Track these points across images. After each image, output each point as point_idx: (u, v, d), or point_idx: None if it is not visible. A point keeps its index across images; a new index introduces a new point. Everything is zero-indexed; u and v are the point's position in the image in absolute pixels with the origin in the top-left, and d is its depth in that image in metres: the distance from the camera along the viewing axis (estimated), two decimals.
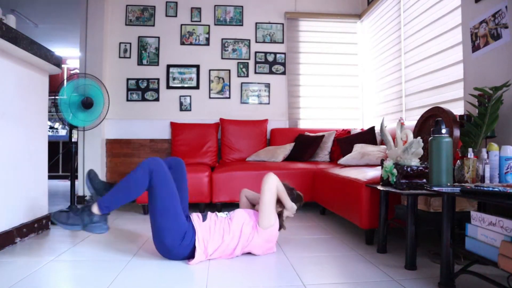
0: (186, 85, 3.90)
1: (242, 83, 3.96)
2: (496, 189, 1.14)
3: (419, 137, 1.71)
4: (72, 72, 6.62)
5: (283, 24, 4.03)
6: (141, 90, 3.85)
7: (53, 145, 5.76)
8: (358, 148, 2.77)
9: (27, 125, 2.14)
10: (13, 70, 2.01)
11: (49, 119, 6.20)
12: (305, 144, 3.48)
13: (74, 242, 2.06)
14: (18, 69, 2.06)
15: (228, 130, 3.71)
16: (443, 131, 1.49)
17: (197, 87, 3.91)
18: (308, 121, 4.02)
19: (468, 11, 2.19)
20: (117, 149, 3.79)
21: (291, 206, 1.87)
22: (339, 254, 1.86)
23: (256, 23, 4.00)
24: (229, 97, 3.94)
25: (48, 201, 2.41)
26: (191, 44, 3.93)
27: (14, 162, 2.01)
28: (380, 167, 1.95)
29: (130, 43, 3.85)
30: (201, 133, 3.70)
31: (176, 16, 3.92)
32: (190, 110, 3.90)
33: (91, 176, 1.76)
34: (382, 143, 2.91)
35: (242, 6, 3.99)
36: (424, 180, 1.71)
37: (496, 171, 1.50)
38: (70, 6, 4.65)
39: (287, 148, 3.49)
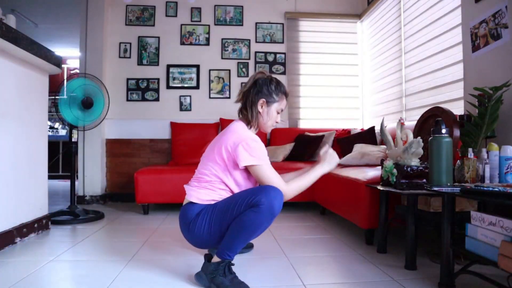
0: (186, 85, 3.90)
1: (242, 83, 3.95)
2: (496, 189, 1.14)
3: (419, 137, 1.71)
4: (72, 72, 6.62)
5: (283, 24, 4.03)
6: (141, 90, 3.85)
7: (53, 145, 5.76)
8: (358, 148, 2.77)
9: (27, 125, 2.14)
10: (13, 70, 2.01)
11: (49, 119, 6.20)
12: (305, 144, 3.48)
13: (74, 242, 2.06)
14: (18, 69, 2.06)
15: None
16: (443, 131, 1.49)
17: (197, 87, 3.91)
18: (308, 121, 4.02)
19: (468, 11, 2.19)
20: (117, 149, 3.79)
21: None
22: (339, 254, 1.86)
23: (256, 23, 4.00)
24: (229, 97, 3.94)
25: (48, 201, 2.41)
26: (191, 44, 3.93)
27: (14, 162, 2.01)
28: (380, 167, 1.95)
29: (130, 43, 3.85)
30: (201, 133, 3.70)
31: (176, 16, 3.92)
32: (190, 110, 3.90)
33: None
34: (382, 143, 2.91)
35: (242, 6, 3.99)
36: (424, 180, 1.71)
37: (496, 171, 1.50)
38: (70, 6, 4.65)
39: (287, 148, 3.49)
